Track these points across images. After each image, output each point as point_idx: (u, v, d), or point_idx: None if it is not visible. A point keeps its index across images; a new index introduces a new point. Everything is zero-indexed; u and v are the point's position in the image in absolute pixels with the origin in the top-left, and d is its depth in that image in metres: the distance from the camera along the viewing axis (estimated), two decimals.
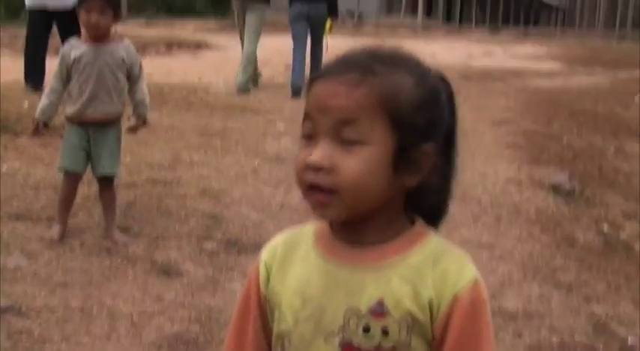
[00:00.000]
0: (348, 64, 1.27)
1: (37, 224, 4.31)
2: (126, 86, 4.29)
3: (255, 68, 10.42)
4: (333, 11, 10.63)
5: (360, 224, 1.29)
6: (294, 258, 1.35)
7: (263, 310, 1.37)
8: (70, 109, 4.20)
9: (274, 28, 14.54)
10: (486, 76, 13.21)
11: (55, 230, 4.15)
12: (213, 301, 3.55)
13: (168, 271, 3.87)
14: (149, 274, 3.83)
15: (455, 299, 1.24)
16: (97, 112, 4.17)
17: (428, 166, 1.26)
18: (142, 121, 4.36)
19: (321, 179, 1.23)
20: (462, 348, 1.24)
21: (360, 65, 1.25)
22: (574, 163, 6.62)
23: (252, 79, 10.15)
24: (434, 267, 1.26)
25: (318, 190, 1.24)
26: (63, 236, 4.14)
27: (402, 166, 1.25)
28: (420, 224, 1.32)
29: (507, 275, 4.08)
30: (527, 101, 10.21)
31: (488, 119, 8.67)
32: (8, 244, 3.99)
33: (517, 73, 13.90)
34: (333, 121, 1.22)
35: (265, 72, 11.26)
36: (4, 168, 5.18)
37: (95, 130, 4.19)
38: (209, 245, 4.24)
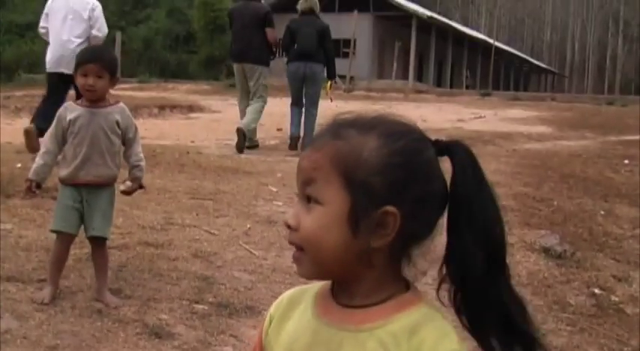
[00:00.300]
0: (325, 130, 1.32)
1: (28, 286, 4.29)
2: (121, 149, 4.32)
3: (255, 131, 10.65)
4: (330, 71, 10.94)
5: (348, 286, 1.31)
6: (294, 314, 1.38)
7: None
8: (64, 171, 4.22)
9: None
10: (477, 139, 13.29)
11: (47, 292, 4.12)
12: None
13: (159, 334, 3.85)
14: (140, 337, 3.81)
15: None
16: (89, 174, 4.19)
17: (394, 229, 1.24)
18: (137, 185, 4.40)
19: (291, 237, 1.29)
20: None
21: (332, 131, 1.30)
22: (565, 226, 6.64)
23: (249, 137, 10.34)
24: (410, 337, 1.24)
25: (295, 247, 1.29)
26: (54, 298, 4.12)
27: (361, 226, 1.25)
28: (412, 291, 1.31)
29: None
30: (518, 164, 10.27)
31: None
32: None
33: (507, 136, 14.01)
34: (300, 181, 1.28)
35: (257, 134, 11.35)
36: None
37: (88, 191, 4.21)
38: (200, 308, 4.23)
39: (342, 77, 26.21)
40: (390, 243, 1.25)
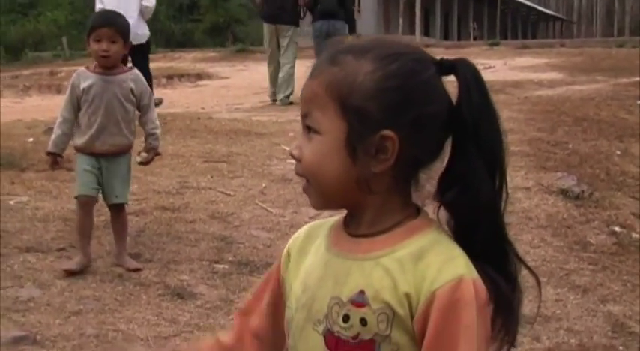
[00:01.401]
0: (324, 58, 1.29)
1: (48, 255, 4.31)
2: (135, 117, 4.27)
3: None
4: (351, 28, 11.51)
5: (356, 215, 1.30)
6: (310, 248, 1.37)
7: (278, 292, 1.41)
8: (80, 140, 4.18)
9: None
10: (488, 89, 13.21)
11: (76, 261, 4.07)
12: (228, 322, 3.54)
13: (181, 294, 3.87)
14: (163, 298, 3.82)
15: (432, 297, 1.19)
16: (106, 144, 4.16)
17: (394, 153, 1.22)
18: (153, 154, 4.37)
19: (297, 168, 1.29)
20: (438, 348, 1.19)
21: (329, 58, 1.28)
22: (581, 168, 6.60)
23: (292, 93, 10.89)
24: (416, 262, 1.22)
25: (305, 180, 1.28)
26: (86, 267, 4.07)
27: (359, 153, 1.23)
28: (422, 217, 1.29)
29: (522, 280, 4.05)
30: (530, 111, 10.19)
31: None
32: (20, 276, 3.99)
33: (518, 84, 13.88)
34: (301, 113, 1.28)
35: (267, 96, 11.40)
36: (13, 202, 5.18)
37: (107, 160, 4.18)
38: (221, 267, 4.24)
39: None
40: (391, 168, 1.23)
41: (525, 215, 5.22)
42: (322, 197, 1.28)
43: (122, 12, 8.59)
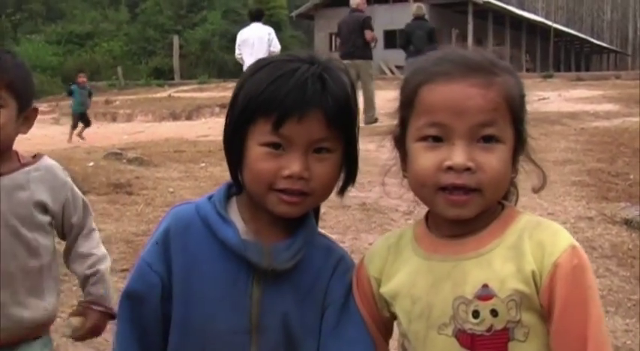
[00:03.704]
0: (467, 65, 1.30)
1: (113, 276, 4.30)
2: (54, 257, 2.22)
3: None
4: None
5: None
6: (399, 265, 1.40)
7: (372, 301, 1.45)
8: None
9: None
10: (543, 120, 13.08)
11: None
12: None
13: None
14: None
15: (555, 267, 1.26)
16: None
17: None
18: (96, 318, 2.28)
19: (466, 179, 1.28)
20: (570, 314, 1.26)
21: (481, 66, 1.30)
22: None
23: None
24: (528, 243, 1.29)
25: (458, 190, 1.29)
26: None
27: (517, 158, 1.35)
28: (508, 207, 1.38)
29: (608, 320, 3.98)
30: (588, 142, 10.07)
31: (551, 160, 8.56)
32: None
33: (574, 116, 13.74)
34: (472, 122, 1.28)
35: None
36: None
37: None
38: None
39: (401, 68, 26.12)
40: None
41: (589, 245, 5.13)
42: (485, 205, 1.32)
43: (254, 57, 9.14)
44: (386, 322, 1.45)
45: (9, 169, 2.08)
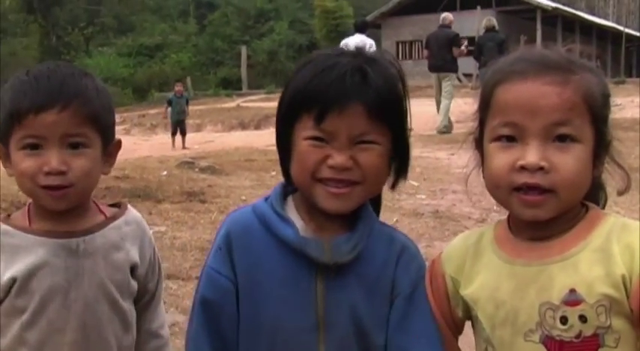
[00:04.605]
0: (543, 64, 1.27)
1: (188, 283, 4.39)
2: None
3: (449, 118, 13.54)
4: None
5: (548, 219, 1.31)
6: (479, 268, 1.38)
7: (445, 299, 1.45)
8: None
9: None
10: (616, 127, 12.73)
11: None
12: None
13: None
14: None
15: None
16: None
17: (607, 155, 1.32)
18: None
19: (539, 179, 1.25)
20: None
21: (558, 65, 1.26)
22: None
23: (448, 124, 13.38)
24: (616, 246, 1.25)
25: (532, 191, 1.25)
26: None
27: (597, 159, 1.30)
28: (592, 208, 1.33)
29: None
30: None
31: (627, 167, 8.39)
32: (164, 302, 4.06)
33: None
34: (547, 121, 1.25)
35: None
36: (151, 232, 5.32)
37: None
38: None
39: (469, 76, 25.91)
40: None
41: None
42: (562, 206, 1.27)
43: None
44: (457, 320, 1.45)
45: (96, 224, 1.71)
